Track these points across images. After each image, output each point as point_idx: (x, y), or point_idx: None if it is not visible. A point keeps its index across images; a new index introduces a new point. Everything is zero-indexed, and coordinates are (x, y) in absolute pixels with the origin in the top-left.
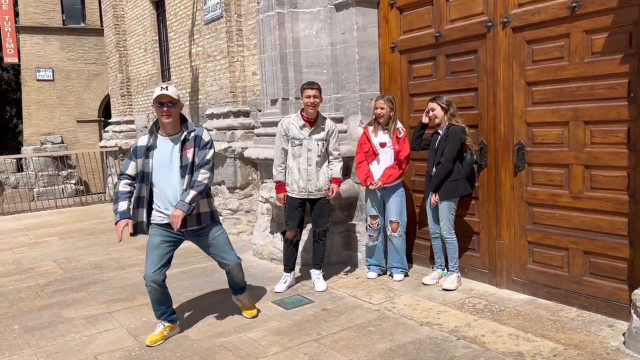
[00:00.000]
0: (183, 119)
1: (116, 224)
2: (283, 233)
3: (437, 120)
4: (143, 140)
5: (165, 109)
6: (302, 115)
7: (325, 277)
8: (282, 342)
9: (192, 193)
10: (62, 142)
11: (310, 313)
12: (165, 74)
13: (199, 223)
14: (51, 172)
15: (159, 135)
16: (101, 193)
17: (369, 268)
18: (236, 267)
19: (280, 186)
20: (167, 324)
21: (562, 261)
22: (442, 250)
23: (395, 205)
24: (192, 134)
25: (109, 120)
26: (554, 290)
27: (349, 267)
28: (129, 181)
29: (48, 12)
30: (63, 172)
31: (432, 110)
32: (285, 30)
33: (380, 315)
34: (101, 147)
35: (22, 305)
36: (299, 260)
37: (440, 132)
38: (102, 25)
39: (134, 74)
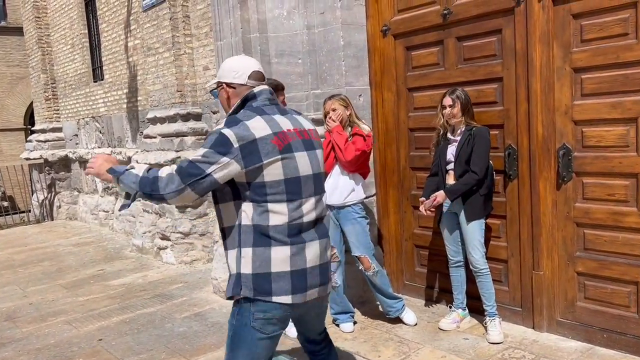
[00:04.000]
0: None
1: None
2: None
3: (453, 121)
4: None
5: None
6: None
7: None
8: None
9: None
10: None
11: None
12: (97, 73)
13: None
14: None
15: None
16: (24, 212)
17: (335, 320)
18: None
19: None
20: None
21: (628, 299)
22: (463, 284)
23: (356, 235)
24: None
25: (33, 129)
26: (618, 337)
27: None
28: None
29: None
30: None
31: (450, 107)
32: (248, 11)
33: None
34: (25, 158)
35: None
36: None
37: (452, 136)
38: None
39: (60, 73)
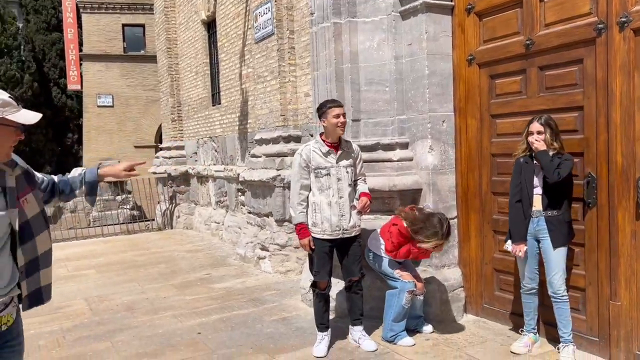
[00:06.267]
0: None
1: None
2: (313, 285)
3: (541, 148)
4: None
5: None
6: (323, 141)
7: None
8: None
9: None
10: None
11: None
12: (215, 98)
13: None
14: (108, 197)
15: None
16: (150, 220)
17: (398, 336)
18: None
19: (303, 230)
20: None
21: None
22: (536, 310)
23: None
24: None
25: (160, 146)
26: None
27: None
28: None
29: (110, 41)
30: (119, 197)
31: (539, 133)
32: (342, 43)
33: None
34: (152, 172)
35: (36, 357)
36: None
37: (538, 162)
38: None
39: (184, 98)
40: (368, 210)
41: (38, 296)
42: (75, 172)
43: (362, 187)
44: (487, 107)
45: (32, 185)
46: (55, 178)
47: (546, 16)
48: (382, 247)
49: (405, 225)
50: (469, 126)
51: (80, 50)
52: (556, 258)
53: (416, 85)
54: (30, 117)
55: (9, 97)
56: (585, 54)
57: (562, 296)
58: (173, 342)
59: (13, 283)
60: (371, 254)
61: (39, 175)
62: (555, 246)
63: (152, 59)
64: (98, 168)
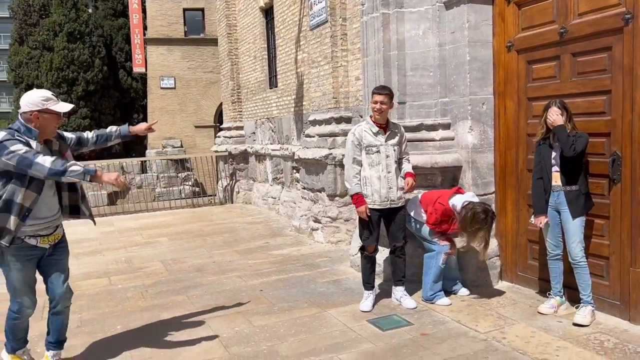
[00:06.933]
0: None
1: None
2: (362, 249)
3: (559, 122)
4: None
5: None
6: (374, 122)
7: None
8: None
9: None
10: (182, 146)
11: (408, 337)
12: (272, 81)
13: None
14: (171, 174)
15: None
16: (212, 195)
17: (436, 295)
18: None
19: (360, 198)
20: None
21: None
22: (561, 275)
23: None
24: None
25: (221, 126)
26: None
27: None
28: None
29: (172, 25)
30: (181, 174)
31: (558, 114)
32: (389, 32)
33: (487, 346)
34: (213, 151)
35: (126, 305)
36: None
37: (554, 141)
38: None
39: (244, 81)
40: (413, 190)
41: (76, 212)
42: (112, 128)
43: (406, 167)
44: (524, 90)
45: (66, 144)
46: (85, 134)
47: (579, 6)
48: (424, 217)
49: (455, 218)
50: (507, 108)
51: (145, 35)
52: (574, 227)
53: (458, 70)
54: (65, 107)
55: (52, 94)
56: (614, 42)
57: (580, 262)
58: (239, 297)
59: (59, 213)
60: (413, 220)
61: (67, 135)
62: (573, 217)
63: (211, 42)
64: (129, 125)
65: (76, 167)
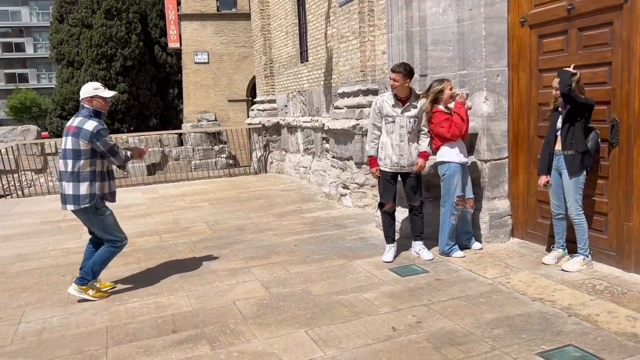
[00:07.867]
0: None
1: None
2: (380, 205)
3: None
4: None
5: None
6: (395, 95)
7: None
8: (393, 304)
9: None
10: (216, 119)
11: (424, 282)
12: (303, 55)
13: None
14: (206, 147)
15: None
16: (246, 166)
17: (452, 249)
18: None
19: (373, 161)
20: None
21: None
22: (564, 231)
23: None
24: None
25: (254, 100)
26: None
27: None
28: None
29: (204, 0)
30: (216, 147)
31: (556, 89)
32: (412, 9)
33: (492, 288)
34: (247, 124)
35: (179, 257)
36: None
37: (562, 109)
38: (250, 10)
39: (276, 56)
40: (423, 170)
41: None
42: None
43: (422, 145)
44: (536, 62)
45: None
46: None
47: None
48: (445, 151)
49: (433, 109)
50: (520, 79)
51: (178, 11)
52: (570, 186)
53: (475, 44)
54: (110, 93)
55: (100, 84)
56: (615, 18)
57: (575, 218)
58: (276, 250)
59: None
60: (444, 166)
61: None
62: (570, 176)
63: (243, 16)
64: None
65: (128, 157)
